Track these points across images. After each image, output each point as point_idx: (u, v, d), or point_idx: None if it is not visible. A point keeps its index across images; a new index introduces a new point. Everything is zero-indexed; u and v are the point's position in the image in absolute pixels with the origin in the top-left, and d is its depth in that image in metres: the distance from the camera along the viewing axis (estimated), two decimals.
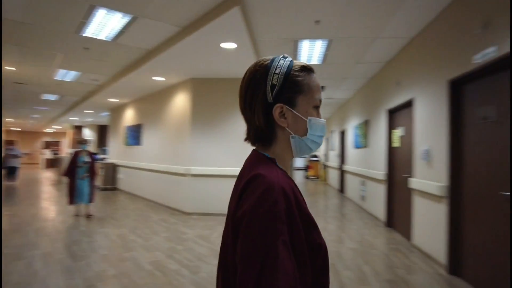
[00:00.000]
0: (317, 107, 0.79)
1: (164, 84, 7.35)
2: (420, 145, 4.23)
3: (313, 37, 4.54)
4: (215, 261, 3.86)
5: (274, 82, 0.74)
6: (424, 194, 4.09)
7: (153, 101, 8.29)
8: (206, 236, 4.95)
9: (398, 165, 5.27)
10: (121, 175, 10.13)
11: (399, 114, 5.27)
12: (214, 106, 6.59)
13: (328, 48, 4.94)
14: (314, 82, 0.78)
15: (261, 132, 0.76)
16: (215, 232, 5.18)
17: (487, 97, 3.04)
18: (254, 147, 0.82)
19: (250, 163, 0.76)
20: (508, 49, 2.60)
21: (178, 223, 5.85)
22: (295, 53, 5.22)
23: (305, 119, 0.77)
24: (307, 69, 0.79)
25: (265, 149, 0.78)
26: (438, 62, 3.77)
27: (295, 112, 0.75)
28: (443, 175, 3.61)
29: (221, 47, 4.70)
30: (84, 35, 4.56)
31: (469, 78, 3.24)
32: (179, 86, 7.12)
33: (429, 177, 3.95)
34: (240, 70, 5.90)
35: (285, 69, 0.75)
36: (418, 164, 4.28)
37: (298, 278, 0.61)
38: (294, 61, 0.78)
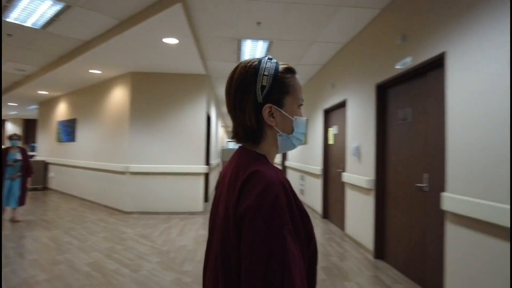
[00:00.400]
0: (300, 106, 0.85)
1: (101, 77, 6.96)
2: (351, 143, 4.61)
3: (255, 37, 4.68)
4: (156, 259, 3.83)
5: (264, 83, 0.77)
6: (355, 187, 4.48)
7: (89, 95, 7.80)
8: (147, 235, 4.85)
9: (333, 161, 5.67)
10: (53, 173, 9.38)
11: (334, 113, 5.66)
12: (155, 102, 6.43)
13: (269, 49, 5.13)
14: (297, 83, 0.84)
15: (252, 131, 0.80)
16: (157, 231, 5.10)
17: (405, 101, 3.44)
18: (240, 145, 0.85)
19: (244, 161, 0.78)
20: (420, 60, 2.98)
21: (117, 222, 5.63)
22: (238, 52, 5.32)
23: (292, 118, 0.82)
24: (291, 70, 0.83)
25: (255, 147, 0.82)
26: (367, 67, 4.15)
27: (283, 112, 0.80)
28: (370, 170, 4.00)
29: (163, 42, 4.62)
30: (7, 20, 4.15)
31: (392, 83, 3.64)
32: (118, 79, 6.80)
33: (359, 172, 4.33)
34: (182, 65, 5.85)
35: (273, 70, 0.79)
36: (350, 160, 4.67)
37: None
38: (279, 62, 0.83)
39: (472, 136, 2.35)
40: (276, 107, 0.79)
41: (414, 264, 3.23)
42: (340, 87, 5.13)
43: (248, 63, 0.80)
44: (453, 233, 2.55)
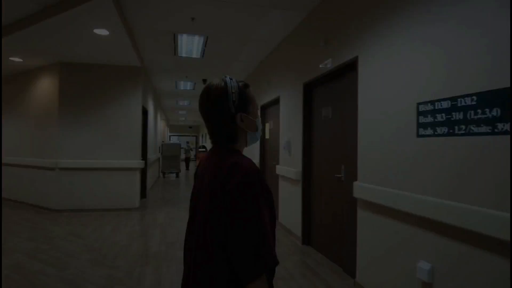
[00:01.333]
0: (257, 110, 1.14)
1: (24, 66, 6.41)
2: (283, 137, 4.89)
3: (190, 32, 4.70)
4: (87, 256, 3.73)
5: (234, 99, 1.04)
6: (286, 178, 4.77)
7: (11, 85, 7.13)
8: (78, 233, 4.66)
9: (269, 154, 5.94)
10: None
11: (270, 109, 5.92)
12: (87, 94, 6.11)
13: (205, 44, 5.19)
14: (253, 94, 1.12)
15: (231, 135, 1.07)
16: (89, 228, 4.92)
17: (327, 99, 3.76)
18: (216, 143, 1.10)
19: (224, 155, 1.03)
20: (338, 63, 3.29)
21: (44, 221, 5.30)
22: (174, 45, 5.29)
23: (255, 120, 1.11)
24: (248, 85, 1.10)
25: (232, 146, 1.08)
26: (297, 67, 4.42)
27: (249, 116, 1.08)
28: (298, 162, 4.30)
29: (94, 33, 4.43)
30: None
31: (317, 83, 3.94)
32: (45, 69, 6.33)
33: (289, 164, 4.63)
34: (115, 57, 5.66)
35: (237, 88, 1.05)
36: (282, 153, 4.95)
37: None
38: (237, 80, 1.08)
39: (374, 132, 2.70)
40: (245, 114, 1.06)
41: (335, 248, 3.58)
42: (275, 85, 5.38)
43: (218, 85, 1.05)
44: (361, 217, 2.90)
